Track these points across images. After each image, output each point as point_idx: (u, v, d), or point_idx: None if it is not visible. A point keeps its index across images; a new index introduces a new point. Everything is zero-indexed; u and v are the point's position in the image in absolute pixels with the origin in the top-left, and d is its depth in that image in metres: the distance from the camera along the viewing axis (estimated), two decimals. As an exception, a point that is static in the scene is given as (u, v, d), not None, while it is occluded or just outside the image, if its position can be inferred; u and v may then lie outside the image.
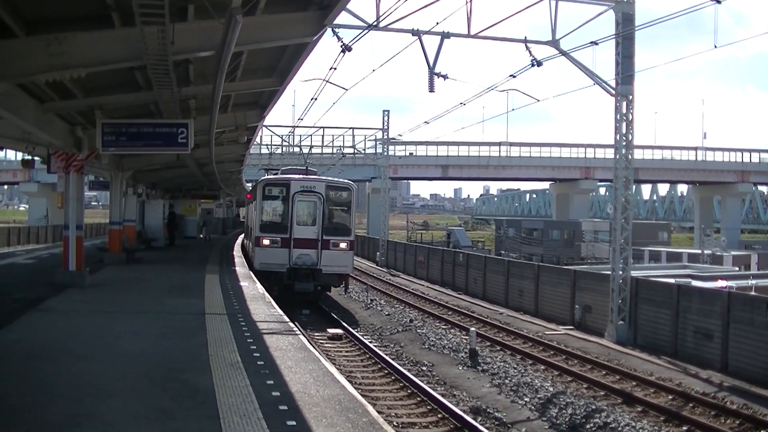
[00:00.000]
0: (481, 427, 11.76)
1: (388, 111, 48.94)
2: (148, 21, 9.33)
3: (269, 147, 56.08)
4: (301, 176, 25.41)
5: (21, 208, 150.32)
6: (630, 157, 21.74)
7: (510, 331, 22.19)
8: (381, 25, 16.90)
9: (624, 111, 21.28)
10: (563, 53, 20.19)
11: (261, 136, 48.38)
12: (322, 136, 58.45)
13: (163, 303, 15.86)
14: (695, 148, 78.70)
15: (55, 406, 7.62)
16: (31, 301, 15.51)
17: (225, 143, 27.09)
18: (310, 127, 52.50)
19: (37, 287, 17.88)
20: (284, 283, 23.30)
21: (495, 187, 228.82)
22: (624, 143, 21.45)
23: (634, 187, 22.93)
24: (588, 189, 79.21)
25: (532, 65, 19.16)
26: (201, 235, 48.41)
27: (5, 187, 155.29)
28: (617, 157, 21.73)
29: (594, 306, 22.78)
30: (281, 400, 8.18)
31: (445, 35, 18.96)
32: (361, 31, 16.11)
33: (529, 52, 19.64)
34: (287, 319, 14.29)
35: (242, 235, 43.64)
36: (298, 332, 13.07)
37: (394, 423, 11.82)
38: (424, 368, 17.00)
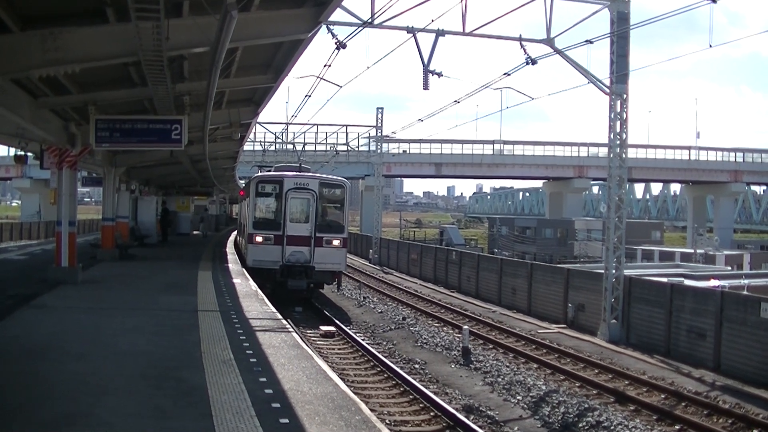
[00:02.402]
0: (473, 426, 11.78)
1: (382, 108, 49.16)
2: (143, 16, 9.30)
3: (263, 144, 55.90)
4: (294, 173, 25.36)
5: (13, 204, 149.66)
6: (624, 156, 21.78)
7: (503, 330, 22.22)
8: (376, 22, 16.89)
9: (618, 110, 21.31)
10: (558, 52, 20.20)
11: (254, 133, 48.25)
12: (316, 133, 58.39)
13: (156, 300, 15.81)
14: (689, 148, 78.88)
15: (49, 405, 7.59)
16: (24, 297, 15.41)
17: (219, 140, 27.04)
18: (304, 124, 52.50)
19: (29, 283, 17.79)
20: (277, 280, 23.27)
21: (488, 185, 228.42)
22: (618, 142, 21.48)
23: (627, 186, 22.94)
24: (581, 188, 79.26)
25: (527, 63, 19.17)
26: (197, 231, 48.64)
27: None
28: (611, 155, 21.76)
29: (587, 305, 22.83)
30: (274, 398, 8.17)
31: (439, 33, 18.96)
32: (355, 28, 16.13)
33: (524, 50, 19.65)
34: (280, 317, 14.25)
35: (235, 232, 43.59)
36: (291, 329, 13.05)
37: (387, 421, 11.83)
38: (416, 366, 17.01)
